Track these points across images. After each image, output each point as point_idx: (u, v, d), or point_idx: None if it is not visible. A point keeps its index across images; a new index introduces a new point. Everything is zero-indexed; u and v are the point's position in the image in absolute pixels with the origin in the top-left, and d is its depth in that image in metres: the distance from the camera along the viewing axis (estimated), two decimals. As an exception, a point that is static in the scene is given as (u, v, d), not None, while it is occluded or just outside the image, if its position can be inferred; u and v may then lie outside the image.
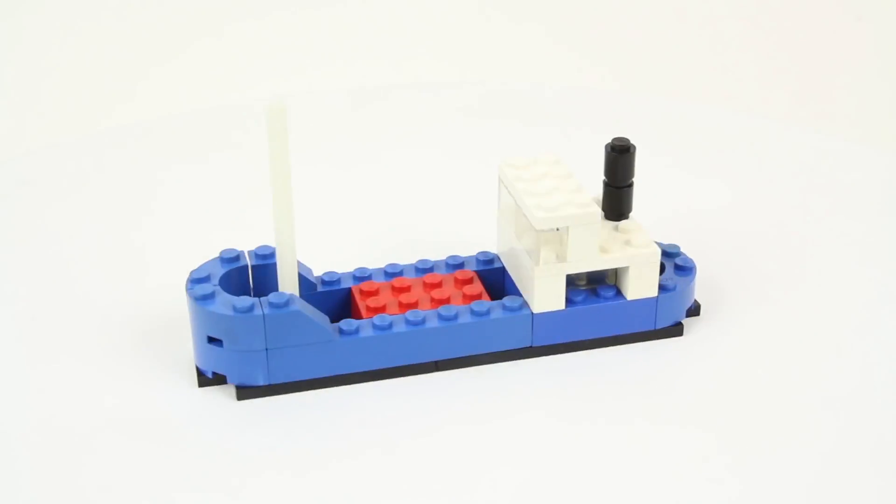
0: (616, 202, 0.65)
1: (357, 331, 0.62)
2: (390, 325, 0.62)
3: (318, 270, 0.68)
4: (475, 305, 0.63)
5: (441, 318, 0.63)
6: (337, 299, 0.66)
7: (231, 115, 0.94)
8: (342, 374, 0.62)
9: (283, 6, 1.53)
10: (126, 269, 0.73)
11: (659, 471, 0.57)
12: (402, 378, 0.63)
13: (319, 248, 0.71)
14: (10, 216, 0.80)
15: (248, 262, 0.64)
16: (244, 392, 0.61)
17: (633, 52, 1.48)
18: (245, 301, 0.60)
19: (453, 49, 1.48)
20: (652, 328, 0.66)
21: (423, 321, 0.62)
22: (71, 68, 1.44)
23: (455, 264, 0.68)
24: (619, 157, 0.64)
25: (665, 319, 0.66)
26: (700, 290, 0.70)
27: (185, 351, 0.64)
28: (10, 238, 0.77)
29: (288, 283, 0.62)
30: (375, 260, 0.71)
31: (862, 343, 0.66)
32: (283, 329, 0.60)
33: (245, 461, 0.57)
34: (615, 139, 0.65)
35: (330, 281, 0.66)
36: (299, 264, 0.65)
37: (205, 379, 0.62)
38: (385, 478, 0.57)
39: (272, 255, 0.65)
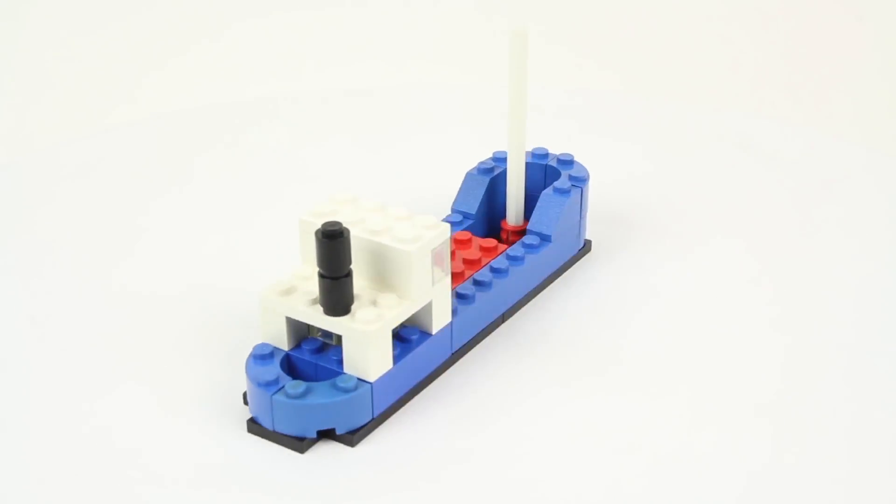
0: (342, 293, 0.58)
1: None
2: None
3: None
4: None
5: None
6: None
7: (231, 114, 0.93)
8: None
9: (284, 6, 1.53)
10: (128, 270, 0.72)
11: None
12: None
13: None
14: (9, 215, 0.79)
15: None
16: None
17: (632, 54, 1.49)
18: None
19: (453, 50, 1.50)
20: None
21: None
22: (72, 67, 1.43)
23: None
24: (334, 244, 0.56)
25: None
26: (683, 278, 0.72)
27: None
28: (9, 237, 0.76)
29: (517, 186, 0.69)
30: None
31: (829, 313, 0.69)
32: None
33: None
34: (325, 224, 0.56)
35: None
36: None
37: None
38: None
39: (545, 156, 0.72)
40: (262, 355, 0.60)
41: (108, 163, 0.86)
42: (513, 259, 0.66)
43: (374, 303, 0.58)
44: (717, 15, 1.53)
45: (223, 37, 1.48)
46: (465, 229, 0.70)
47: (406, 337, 0.61)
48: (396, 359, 0.59)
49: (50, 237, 0.76)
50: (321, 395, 0.57)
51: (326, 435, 0.59)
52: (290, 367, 0.60)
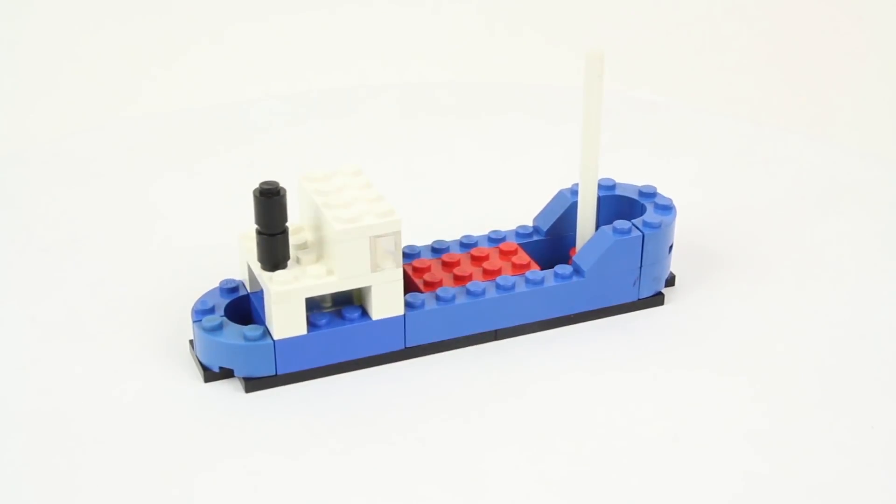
0: (272, 250, 0.60)
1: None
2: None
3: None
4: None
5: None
6: None
7: (233, 114, 0.93)
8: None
9: (286, 7, 1.52)
10: (128, 266, 0.72)
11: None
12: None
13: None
14: (11, 210, 0.79)
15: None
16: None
17: (633, 54, 1.46)
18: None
19: (454, 50, 1.48)
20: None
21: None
22: (76, 65, 1.43)
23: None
24: (269, 202, 0.59)
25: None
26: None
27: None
28: (11, 231, 0.76)
29: (587, 217, 0.66)
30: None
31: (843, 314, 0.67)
32: None
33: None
34: (263, 183, 0.59)
35: None
36: None
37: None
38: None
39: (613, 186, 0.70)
40: (226, 288, 0.64)
41: (108, 158, 0.86)
42: (508, 279, 0.65)
43: (304, 269, 0.61)
44: (714, 13, 1.52)
45: (226, 37, 1.48)
46: (529, 243, 0.69)
47: (345, 314, 0.62)
48: (318, 328, 0.61)
49: (50, 231, 0.76)
50: (226, 335, 0.61)
51: (232, 374, 0.62)
52: (249, 306, 0.64)
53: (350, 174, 0.63)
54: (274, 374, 0.60)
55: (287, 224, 0.60)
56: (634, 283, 0.66)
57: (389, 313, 0.61)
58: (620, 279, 0.66)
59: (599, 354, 0.64)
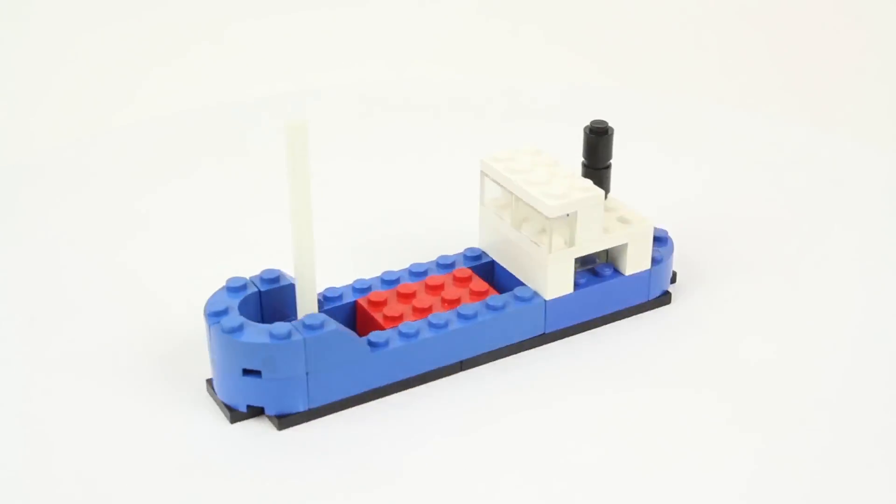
0: (596, 183, 0.66)
1: (387, 342, 0.61)
2: (417, 333, 0.62)
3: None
4: (491, 300, 0.63)
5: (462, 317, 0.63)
6: (343, 315, 0.65)
7: (232, 117, 0.93)
8: (375, 388, 0.62)
9: (287, 6, 1.51)
10: (125, 286, 0.71)
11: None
12: (430, 383, 0.63)
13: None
14: (11, 218, 0.79)
15: (257, 288, 0.62)
16: (285, 421, 0.60)
17: (630, 50, 1.47)
18: (282, 327, 0.59)
19: (456, 50, 1.47)
20: (645, 300, 0.68)
21: (447, 324, 0.62)
22: (74, 69, 1.43)
23: (447, 264, 0.67)
24: (598, 140, 0.67)
25: (656, 290, 0.68)
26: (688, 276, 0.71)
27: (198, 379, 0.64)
28: (11, 241, 0.76)
29: (307, 306, 0.61)
30: (358, 269, 0.69)
31: (841, 315, 0.67)
32: (324, 350, 0.59)
33: (297, 489, 0.57)
34: (594, 122, 0.67)
35: (332, 297, 0.64)
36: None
37: (237, 414, 0.61)
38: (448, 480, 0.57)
39: (278, 278, 0.63)
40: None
41: (109, 164, 0.85)
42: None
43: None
44: (713, 10, 1.52)
45: (224, 37, 1.48)
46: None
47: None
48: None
49: (51, 239, 0.76)
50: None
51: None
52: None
53: (530, 153, 0.66)
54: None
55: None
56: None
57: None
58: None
59: (577, 374, 0.63)
